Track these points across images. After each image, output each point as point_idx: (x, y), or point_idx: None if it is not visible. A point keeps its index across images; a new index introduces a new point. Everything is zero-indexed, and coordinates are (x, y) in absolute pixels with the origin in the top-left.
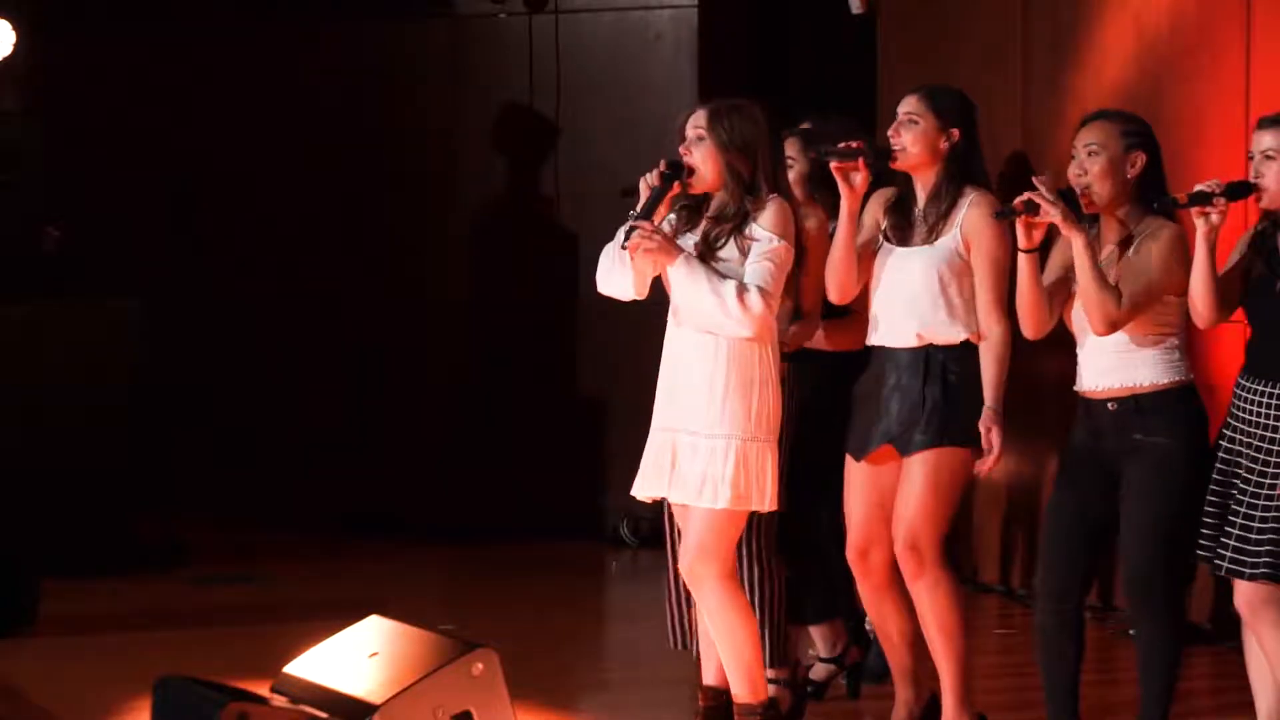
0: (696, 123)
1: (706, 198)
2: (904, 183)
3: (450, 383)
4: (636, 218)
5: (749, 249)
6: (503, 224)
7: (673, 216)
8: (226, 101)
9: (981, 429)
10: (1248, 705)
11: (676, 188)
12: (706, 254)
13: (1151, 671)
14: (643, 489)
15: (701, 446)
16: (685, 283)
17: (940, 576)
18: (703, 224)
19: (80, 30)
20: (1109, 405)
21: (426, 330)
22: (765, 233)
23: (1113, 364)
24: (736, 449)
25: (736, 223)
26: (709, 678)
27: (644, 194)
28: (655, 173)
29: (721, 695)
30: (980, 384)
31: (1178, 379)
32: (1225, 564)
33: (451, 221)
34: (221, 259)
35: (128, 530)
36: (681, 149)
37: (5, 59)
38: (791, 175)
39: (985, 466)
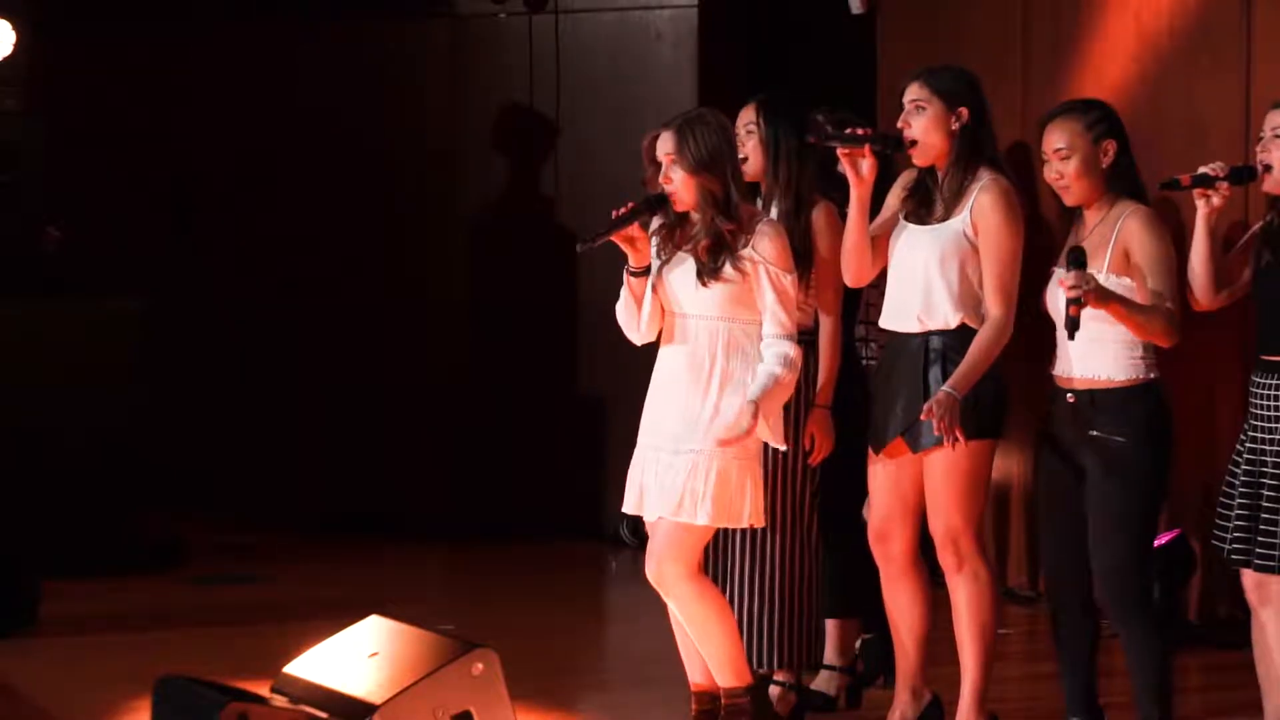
0: (665, 148)
1: (681, 219)
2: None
3: (450, 383)
4: (593, 238)
5: (752, 269)
6: (503, 224)
7: (655, 240)
8: (227, 101)
9: (927, 409)
10: (1248, 705)
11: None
12: (710, 279)
13: (1143, 669)
14: (630, 505)
15: (680, 462)
16: (766, 406)
17: (979, 569)
18: (684, 247)
19: (80, 30)
20: (1068, 397)
21: (426, 330)
22: (770, 266)
23: (1079, 353)
24: (718, 464)
25: (728, 244)
26: (696, 676)
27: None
28: (631, 206)
29: (715, 699)
30: (989, 374)
31: (1137, 377)
32: (1255, 559)
33: (451, 221)
34: (221, 259)
35: (128, 530)
36: (660, 177)
37: (5, 59)
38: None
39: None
